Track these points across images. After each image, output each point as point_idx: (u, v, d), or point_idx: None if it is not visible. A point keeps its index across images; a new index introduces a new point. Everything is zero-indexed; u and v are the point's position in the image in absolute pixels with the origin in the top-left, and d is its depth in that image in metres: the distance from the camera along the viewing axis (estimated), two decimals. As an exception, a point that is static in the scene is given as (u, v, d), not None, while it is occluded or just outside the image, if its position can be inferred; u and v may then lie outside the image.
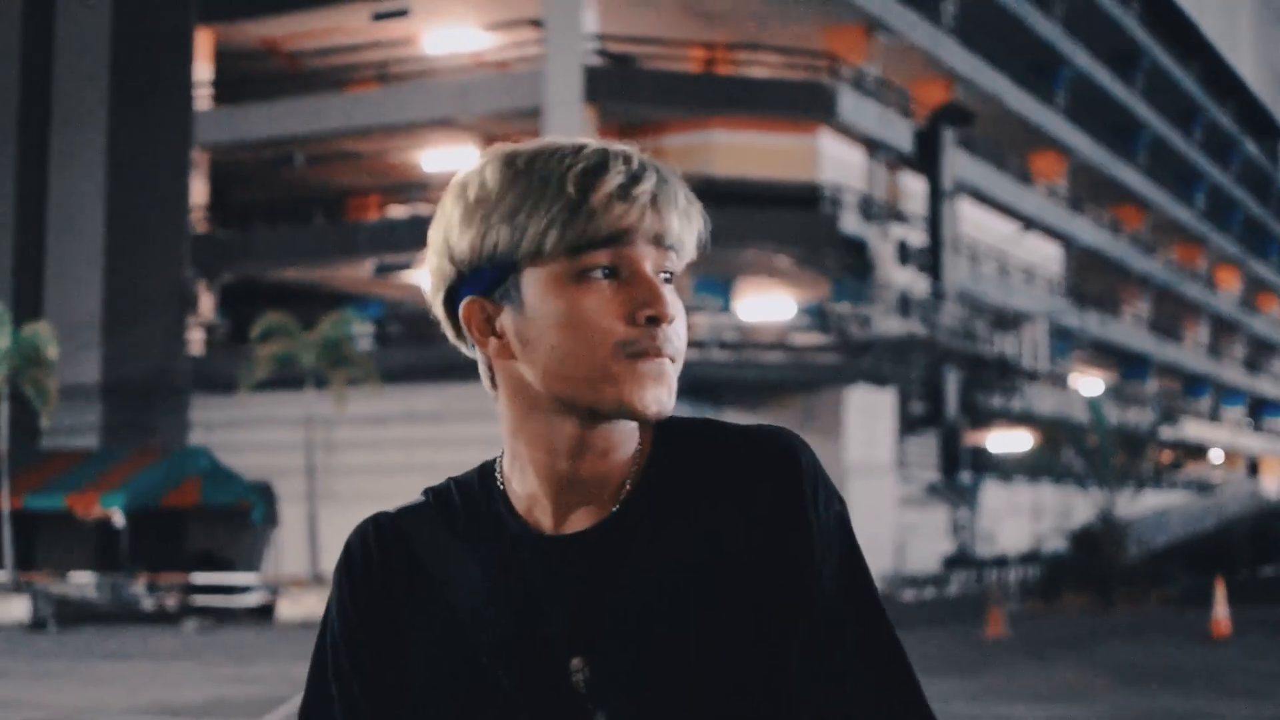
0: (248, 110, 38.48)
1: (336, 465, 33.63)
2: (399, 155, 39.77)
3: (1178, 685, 17.72)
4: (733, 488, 1.68)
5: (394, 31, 38.35)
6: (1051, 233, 50.65)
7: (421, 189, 40.53)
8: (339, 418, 32.87)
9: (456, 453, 33.29)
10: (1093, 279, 55.27)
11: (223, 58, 39.66)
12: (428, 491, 1.78)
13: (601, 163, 1.59)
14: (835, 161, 37.20)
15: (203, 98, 39.33)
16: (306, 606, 29.69)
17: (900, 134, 39.26)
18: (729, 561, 1.65)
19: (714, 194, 33.44)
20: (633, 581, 1.64)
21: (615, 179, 1.58)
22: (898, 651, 1.71)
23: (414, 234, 36.37)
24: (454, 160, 38.73)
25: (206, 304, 38.79)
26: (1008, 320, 45.52)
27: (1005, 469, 45.23)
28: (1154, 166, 61.11)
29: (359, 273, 38.39)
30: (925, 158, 40.42)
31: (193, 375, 37.09)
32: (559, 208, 1.57)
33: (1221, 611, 23.93)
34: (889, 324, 37.50)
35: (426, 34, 38.78)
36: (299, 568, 32.36)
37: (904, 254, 38.33)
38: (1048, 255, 51.48)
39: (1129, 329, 58.28)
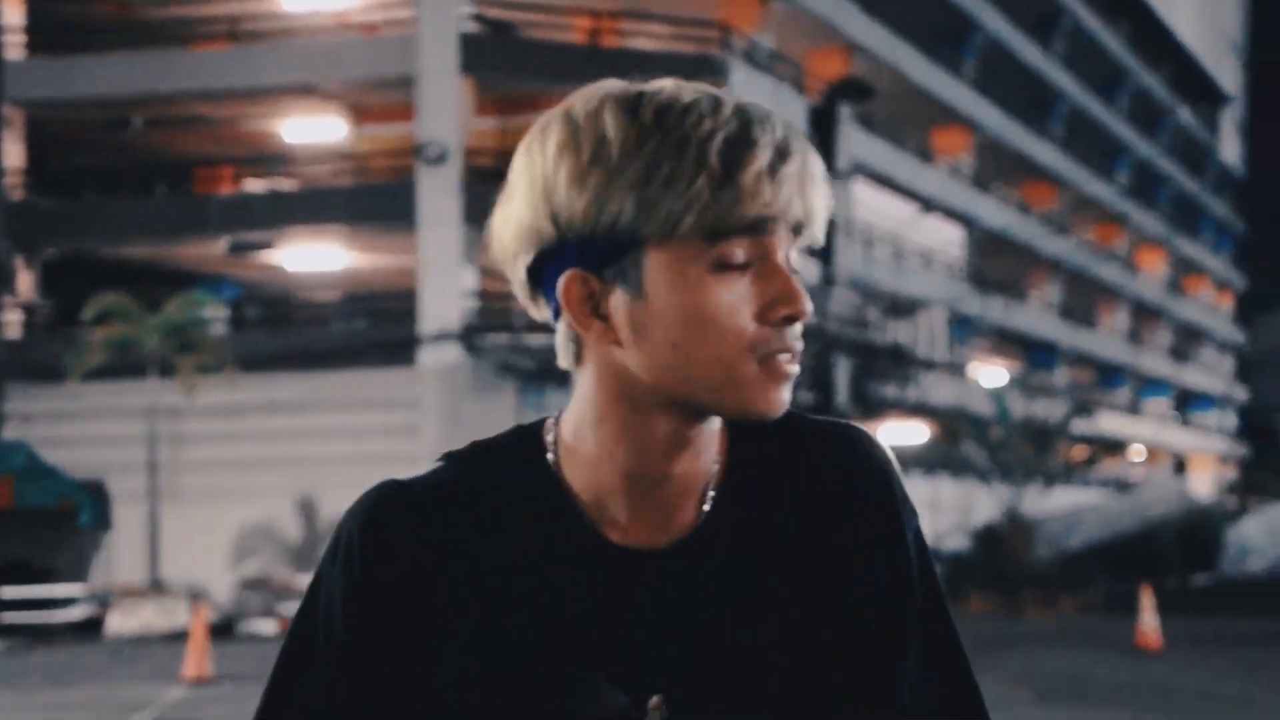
0: (72, 63, 36.82)
1: (184, 461, 33.42)
2: (255, 123, 39.11)
3: (1106, 701, 17.67)
4: (825, 495, 1.67)
5: (246, -16, 37.31)
6: (953, 214, 51.43)
7: (282, 161, 40.00)
8: (187, 408, 32.50)
9: (321, 444, 33.58)
10: (997, 262, 55.74)
11: (37, 1, 38.12)
12: (450, 458, 1.69)
13: (745, 131, 1.52)
14: None
15: (13, 46, 37.72)
16: (143, 619, 28.94)
17: (794, 110, 39.45)
18: (830, 585, 1.64)
19: None
20: (724, 608, 1.61)
21: (764, 154, 1.51)
22: (967, 666, 1.79)
23: (273, 209, 36.59)
24: (318, 131, 38.88)
25: (25, 282, 37.21)
26: (903, 307, 46.57)
27: (899, 461, 45.99)
28: (1071, 140, 61.57)
29: (211, 251, 37.57)
30: (819, 136, 41.31)
31: (8, 362, 35.55)
32: (700, 184, 1.49)
33: (1150, 622, 23.98)
34: None
35: (284, -11, 37.83)
36: (135, 575, 31.76)
37: None
38: (948, 238, 52.18)
39: (1036, 315, 58.85)
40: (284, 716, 1.69)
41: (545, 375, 33.86)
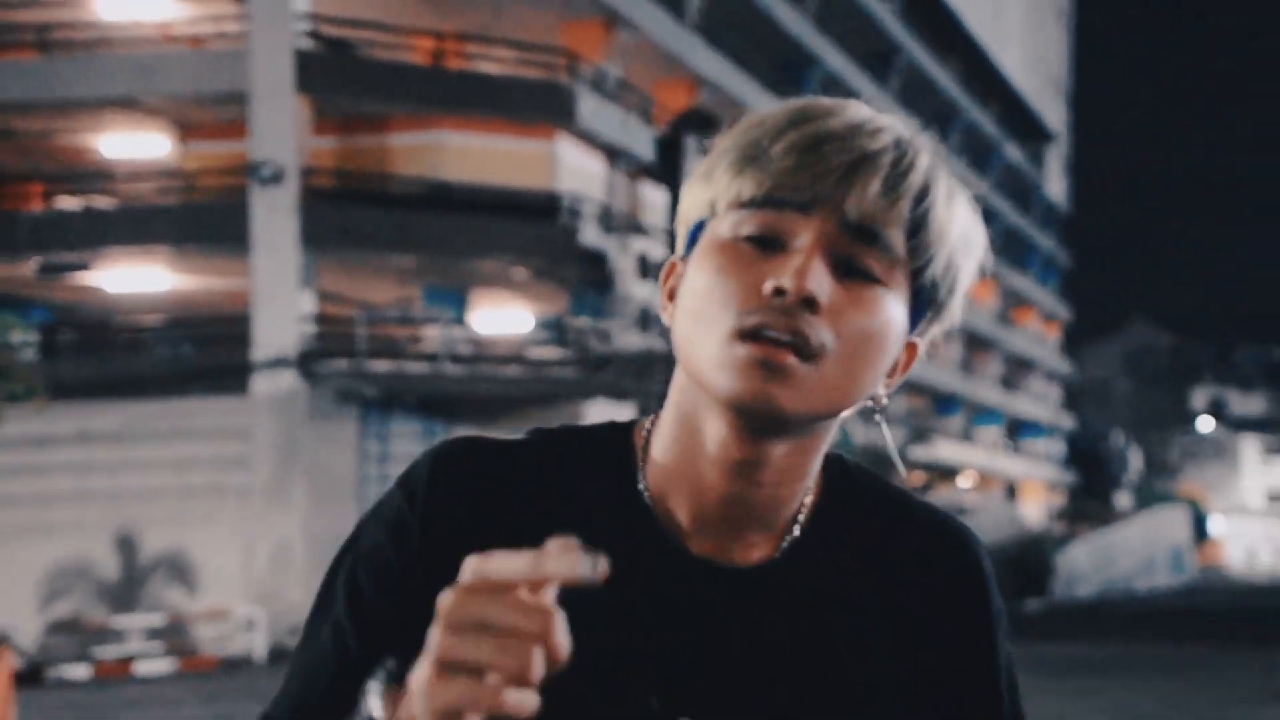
0: None
1: (-8, 494, 31.24)
2: (69, 137, 36.98)
3: None
4: (918, 574, 1.60)
5: (59, -10, 35.38)
6: (798, 245, 50.46)
7: (99, 178, 37.81)
8: (-7, 440, 30.52)
9: (142, 477, 31.07)
10: (835, 293, 55.37)
11: None
12: (535, 432, 1.63)
13: (822, 114, 1.47)
14: (575, 169, 36.61)
15: None
16: None
17: (641, 141, 38.61)
18: (895, 659, 1.57)
19: (446, 200, 33.24)
20: (779, 647, 1.53)
21: (813, 130, 1.45)
22: None
23: (90, 229, 34.61)
24: (140, 147, 36.81)
25: None
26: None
27: None
28: (905, 174, 61.63)
29: (16, 272, 35.66)
30: (666, 167, 40.00)
31: None
32: (741, 153, 1.47)
33: None
34: (629, 339, 37.25)
35: (98, -3, 35.96)
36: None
37: (645, 267, 38.29)
38: (794, 270, 51.30)
39: (876, 346, 58.44)
40: (313, 646, 1.58)
41: (390, 403, 32.95)
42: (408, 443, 32.33)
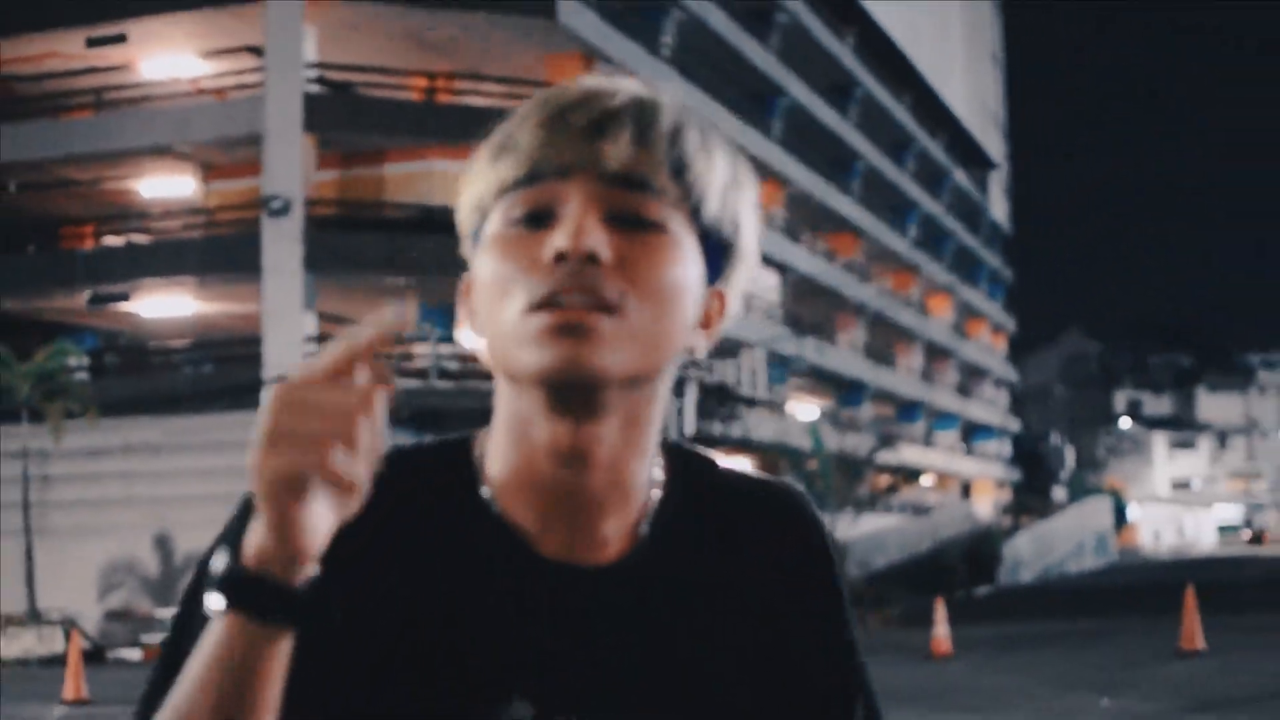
0: None
1: (54, 500, 33.13)
2: (115, 183, 39.08)
3: (902, 703, 17.97)
4: (764, 543, 1.53)
5: (111, 58, 37.78)
6: (769, 261, 51.20)
7: (139, 217, 39.86)
8: (55, 451, 32.37)
9: (177, 485, 33.08)
10: (809, 306, 56.17)
11: None
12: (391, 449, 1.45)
13: (558, 93, 1.44)
14: None
15: None
16: (24, 645, 29.33)
17: None
18: (757, 629, 1.50)
19: (434, 223, 33.92)
20: (645, 638, 1.45)
21: (552, 106, 1.42)
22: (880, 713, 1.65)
23: (130, 263, 36.41)
24: (172, 188, 38.64)
25: None
26: (727, 347, 46.22)
27: None
28: (868, 196, 62.33)
29: (74, 303, 37.69)
30: None
31: None
32: (496, 148, 1.44)
33: (942, 631, 24.50)
34: None
35: (144, 60, 38.29)
36: (15, 605, 31.55)
37: None
38: (766, 283, 52.25)
39: (845, 355, 59.24)
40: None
41: (389, 421, 32.91)
42: None
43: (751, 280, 1.55)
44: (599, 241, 1.35)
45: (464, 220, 1.48)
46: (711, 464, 1.57)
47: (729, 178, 1.45)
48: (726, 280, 1.50)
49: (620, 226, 1.38)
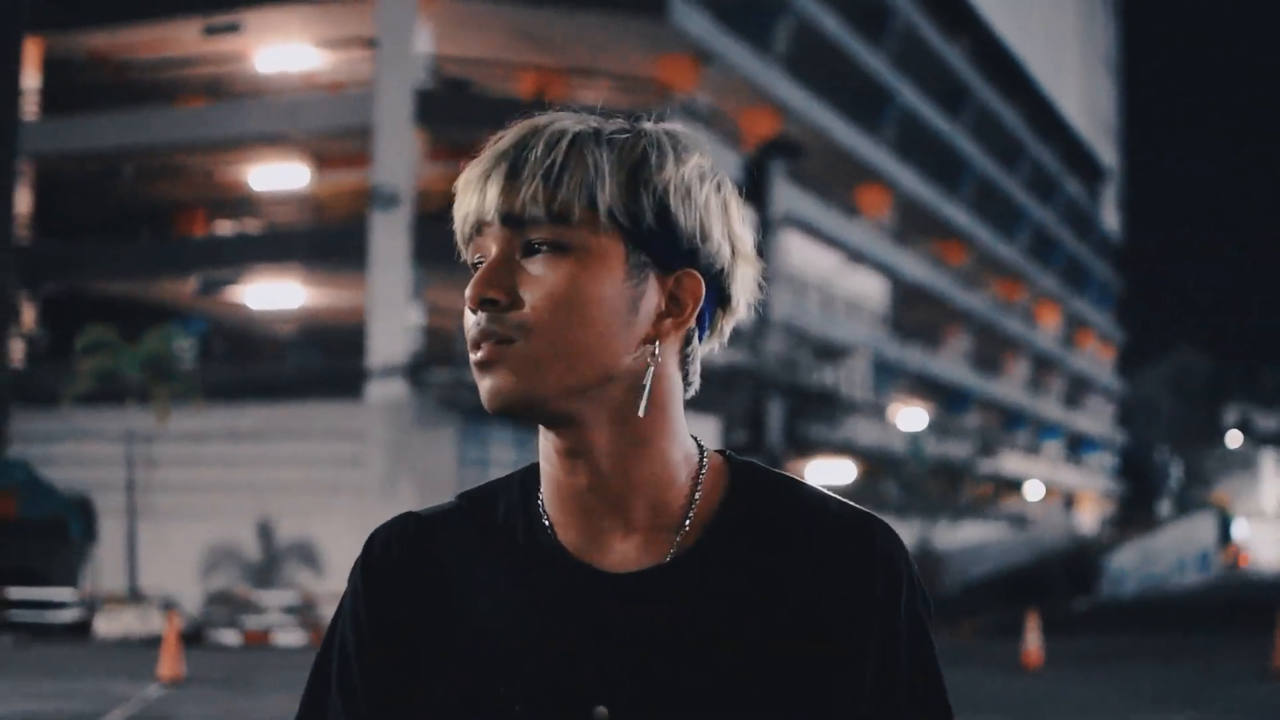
0: (76, 122, 38.17)
1: (158, 482, 33.40)
2: (227, 171, 39.47)
3: (987, 714, 18.01)
4: (822, 565, 1.55)
5: (226, 47, 38.15)
6: (876, 266, 51.32)
7: (249, 206, 40.26)
8: (161, 433, 32.63)
9: (277, 471, 33.32)
10: (916, 312, 55.98)
11: (51, 68, 39.20)
12: (463, 496, 1.66)
13: (502, 140, 1.54)
14: None
15: (30, 108, 38.83)
16: (124, 624, 29.55)
17: (728, 164, 39.03)
18: (806, 643, 1.53)
19: None
20: (685, 638, 1.51)
21: (489, 155, 1.52)
22: None
23: (240, 250, 36.87)
24: (281, 177, 39.02)
25: (28, 315, 38.43)
26: (831, 352, 46.24)
27: None
28: (978, 203, 62.03)
29: (184, 288, 38.07)
30: (753, 189, 41.10)
31: (12, 387, 36.65)
32: (459, 193, 1.55)
33: (1033, 642, 24.27)
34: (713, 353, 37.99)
35: (258, 50, 38.63)
36: (117, 584, 32.03)
37: None
38: (872, 288, 52.12)
39: (950, 363, 59.15)
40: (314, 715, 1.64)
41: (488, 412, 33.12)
42: (504, 449, 33.18)
43: (755, 262, 1.65)
44: (496, 285, 1.48)
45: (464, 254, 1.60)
46: (787, 482, 1.61)
47: (670, 183, 1.52)
48: (690, 265, 1.54)
49: (526, 254, 1.50)
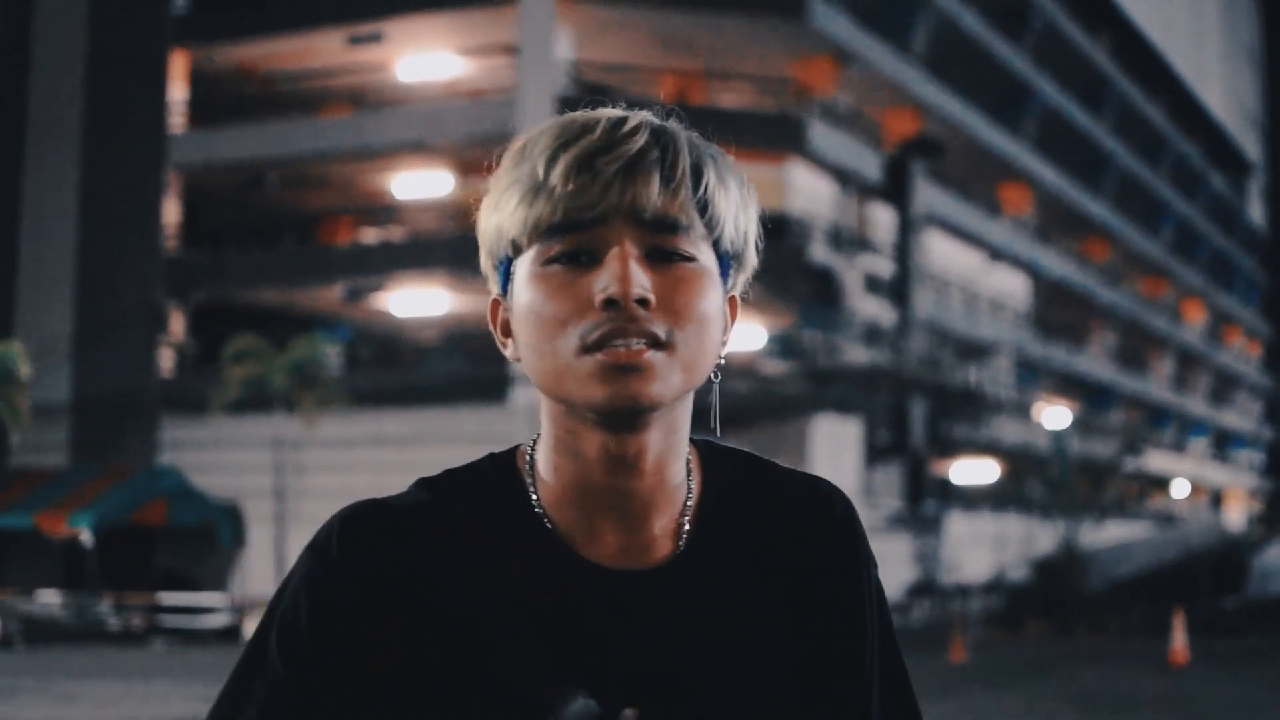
0: (221, 132, 38.59)
1: (304, 488, 33.59)
2: (370, 180, 39.79)
3: (1133, 712, 17.90)
4: (797, 538, 1.61)
5: (369, 57, 38.47)
6: (1018, 264, 50.88)
7: (392, 213, 40.55)
8: (308, 440, 32.85)
9: (423, 475, 33.90)
10: (1059, 310, 55.52)
11: (198, 80, 39.69)
12: (422, 483, 1.59)
13: (580, 132, 1.48)
14: (804, 191, 37.44)
15: (177, 119, 39.34)
16: None
17: (869, 164, 39.44)
18: (797, 618, 1.58)
19: None
20: (698, 630, 1.53)
21: (580, 150, 1.46)
22: (914, 699, 1.71)
23: (384, 258, 37.17)
24: (424, 185, 39.31)
25: (177, 324, 38.89)
26: (974, 350, 45.74)
27: (970, 498, 45.54)
28: (1121, 199, 61.28)
29: (329, 295, 38.46)
30: (894, 188, 40.77)
31: (162, 395, 37.07)
32: (525, 189, 1.47)
33: (1180, 640, 24.09)
34: (856, 353, 37.74)
35: (401, 60, 38.91)
36: (266, 589, 32.05)
37: (871, 284, 38.67)
38: (1015, 286, 51.73)
39: (1095, 360, 58.51)
40: (230, 715, 1.54)
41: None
42: None
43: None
44: (644, 286, 1.43)
45: (491, 248, 1.53)
46: (746, 459, 1.65)
47: (739, 200, 1.55)
48: (734, 286, 1.58)
49: (656, 262, 1.46)
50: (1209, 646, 27.21)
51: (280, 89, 40.01)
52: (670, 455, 1.54)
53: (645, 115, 1.53)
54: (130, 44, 38.80)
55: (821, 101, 37.79)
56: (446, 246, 36.48)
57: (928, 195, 41.89)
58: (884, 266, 39.90)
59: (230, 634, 30.33)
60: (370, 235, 40.47)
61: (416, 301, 38.78)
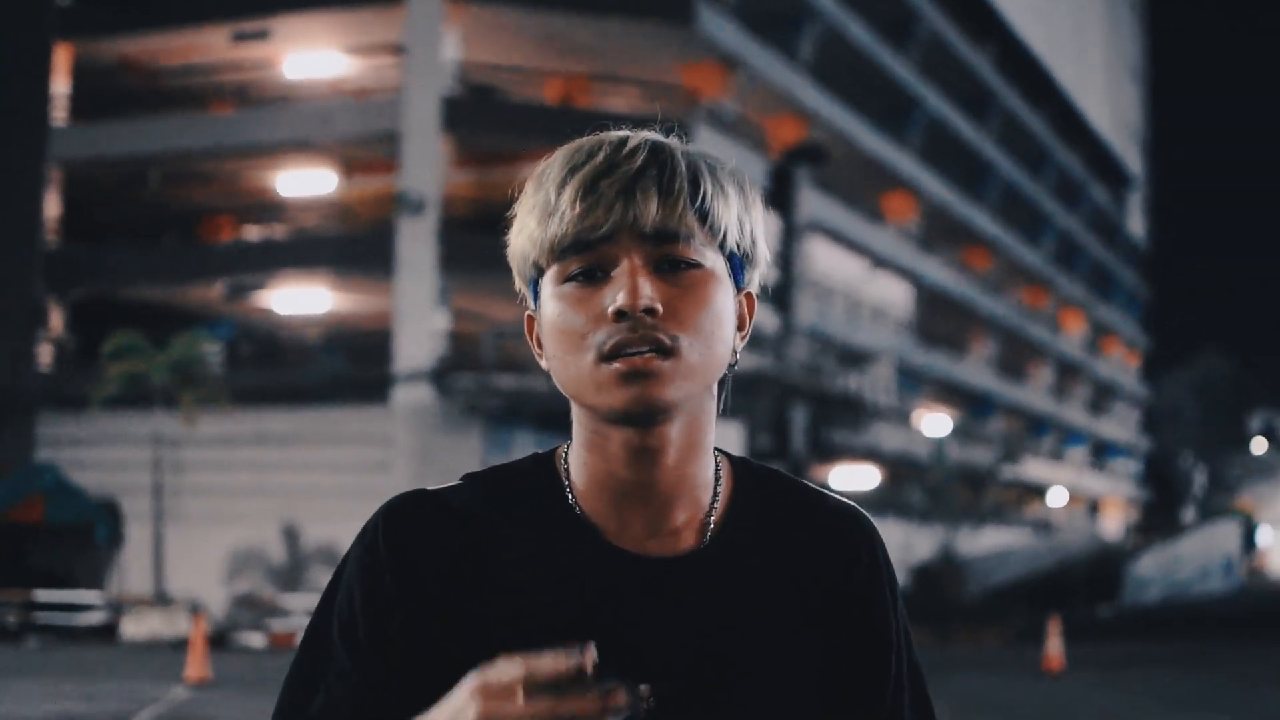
0: (104, 127, 38.18)
1: (184, 486, 33.42)
2: (255, 177, 39.48)
3: (1004, 717, 18.17)
4: (826, 550, 1.72)
5: (255, 54, 38.16)
6: (901, 272, 51.19)
7: (276, 211, 40.29)
8: (188, 438, 32.65)
9: (306, 475, 33.11)
10: (941, 319, 55.80)
11: (81, 74, 39.20)
12: (469, 477, 1.75)
13: (586, 157, 1.62)
14: None
15: (60, 113, 38.95)
16: (151, 626, 29.66)
17: (754, 171, 38.87)
18: (823, 620, 1.69)
19: None
20: (719, 618, 1.64)
21: (585, 174, 1.60)
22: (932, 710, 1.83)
23: (267, 256, 36.92)
24: (309, 183, 39.03)
25: (57, 320, 38.49)
26: (856, 357, 46.12)
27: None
28: (1004, 209, 61.82)
29: (211, 293, 38.16)
30: (779, 195, 40.96)
31: (41, 391, 36.71)
32: (541, 213, 1.61)
33: (1055, 647, 24.39)
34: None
35: (287, 57, 38.65)
36: (143, 587, 32.13)
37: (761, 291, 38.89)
38: (897, 294, 51.98)
39: (975, 369, 58.99)
40: (301, 704, 1.66)
41: (513, 415, 33.49)
42: (528, 452, 32.86)
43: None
44: (651, 296, 1.56)
45: (519, 268, 1.68)
46: (777, 475, 1.78)
47: (740, 203, 1.68)
48: (750, 282, 1.72)
49: (665, 272, 1.59)
50: (1085, 654, 27.62)
51: (165, 84, 39.62)
52: (691, 451, 1.66)
53: (645, 135, 1.67)
54: (12, 36, 38.39)
55: (708, 107, 37.95)
56: (329, 245, 36.45)
57: (812, 202, 42.21)
58: (767, 273, 40.25)
59: (106, 632, 30.10)
60: (254, 233, 40.20)
61: (299, 300, 38.54)
